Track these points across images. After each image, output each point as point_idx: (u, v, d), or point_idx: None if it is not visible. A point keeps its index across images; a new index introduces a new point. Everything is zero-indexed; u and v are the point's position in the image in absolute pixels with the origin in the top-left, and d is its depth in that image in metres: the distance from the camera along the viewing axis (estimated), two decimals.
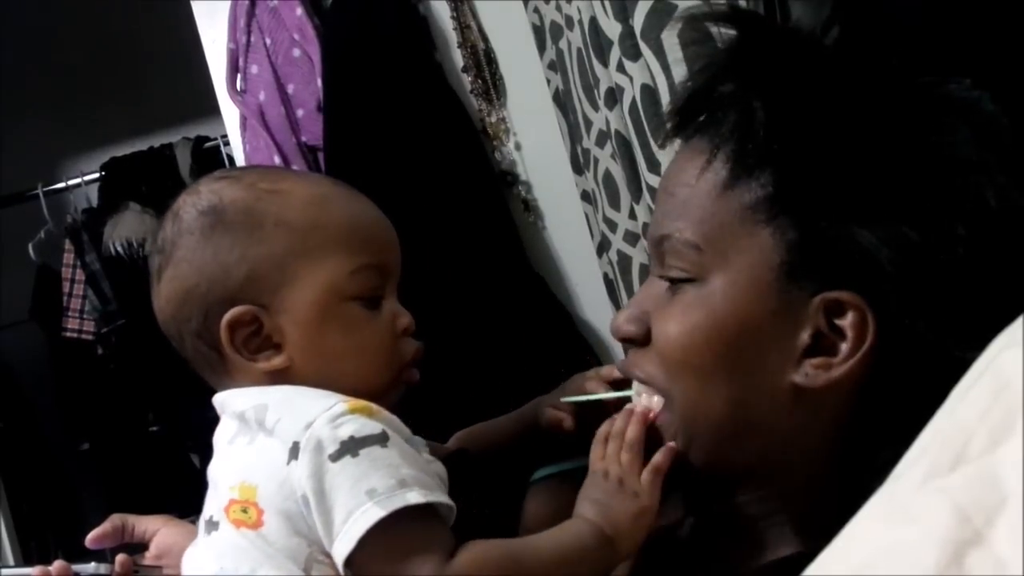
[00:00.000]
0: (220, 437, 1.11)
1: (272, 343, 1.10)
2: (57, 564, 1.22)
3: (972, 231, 0.90)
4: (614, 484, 1.04)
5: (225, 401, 1.11)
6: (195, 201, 1.13)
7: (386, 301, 1.15)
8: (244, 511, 1.02)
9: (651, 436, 1.05)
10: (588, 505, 1.05)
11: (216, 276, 1.10)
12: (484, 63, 3.03)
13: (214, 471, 1.10)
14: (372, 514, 0.95)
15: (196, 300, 1.11)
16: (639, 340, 1.05)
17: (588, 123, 2.48)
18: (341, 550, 0.96)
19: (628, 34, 1.94)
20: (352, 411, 1.01)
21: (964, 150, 0.92)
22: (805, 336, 0.96)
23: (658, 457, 1.03)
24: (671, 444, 1.03)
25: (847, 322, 0.95)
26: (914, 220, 0.92)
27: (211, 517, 1.07)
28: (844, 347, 0.95)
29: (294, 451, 1.00)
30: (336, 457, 0.98)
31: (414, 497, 0.96)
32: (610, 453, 1.06)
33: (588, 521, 1.03)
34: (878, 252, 0.92)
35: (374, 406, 1.03)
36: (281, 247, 1.10)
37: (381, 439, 1.00)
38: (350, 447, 0.98)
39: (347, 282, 1.11)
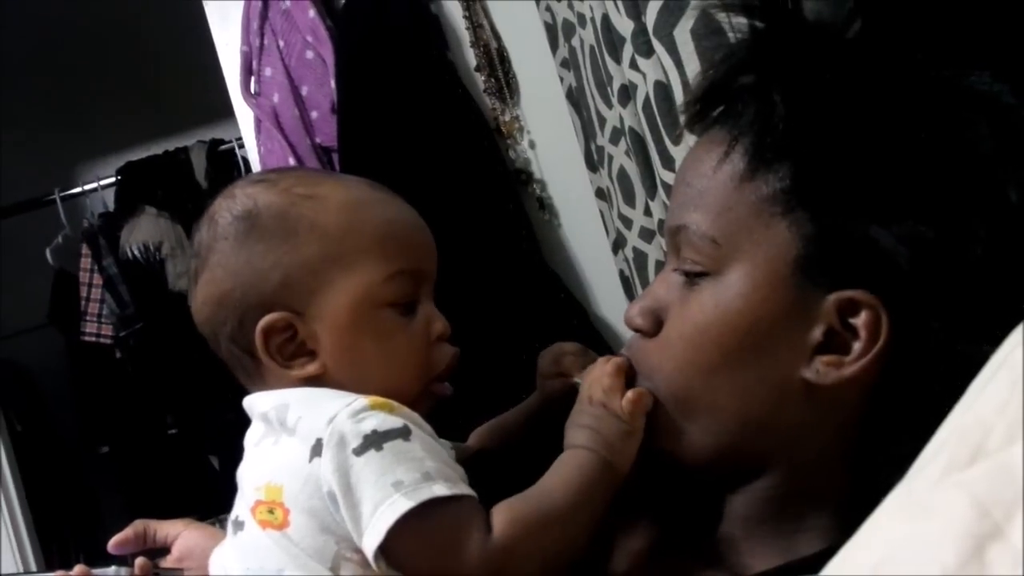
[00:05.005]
0: (248, 439, 1.11)
1: (307, 350, 1.10)
2: (77, 569, 1.22)
3: (991, 228, 0.90)
4: (598, 407, 1.04)
5: (252, 403, 1.11)
6: (230, 205, 1.13)
7: (421, 306, 1.14)
8: (271, 512, 1.02)
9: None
10: (578, 432, 1.05)
11: (251, 282, 1.10)
12: (497, 62, 3.03)
13: (241, 473, 1.10)
14: (400, 505, 0.95)
15: (231, 305, 1.11)
16: (649, 333, 1.05)
17: (602, 120, 2.48)
18: (371, 542, 0.96)
19: (640, 31, 1.94)
20: (373, 407, 1.01)
21: (984, 145, 0.91)
22: (817, 333, 0.96)
23: (637, 388, 1.04)
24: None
25: (860, 321, 0.94)
26: (932, 218, 0.91)
27: (237, 517, 1.08)
28: (857, 346, 0.94)
29: (317, 448, 1.00)
30: (360, 451, 0.98)
31: (440, 490, 0.96)
32: (594, 376, 1.07)
33: (584, 448, 1.03)
34: (895, 250, 0.91)
35: (394, 403, 1.03)
36: (315, 254, 1.10)
37: (403, 433, 1.00)
38: (373, 441, 0.98)
39: (381, 289, 1.11)
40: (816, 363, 0.96)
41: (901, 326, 0.93)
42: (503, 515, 0.99)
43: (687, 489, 1.10)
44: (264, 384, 1.12)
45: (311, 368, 1.09)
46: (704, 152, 1.03)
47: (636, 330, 1.07)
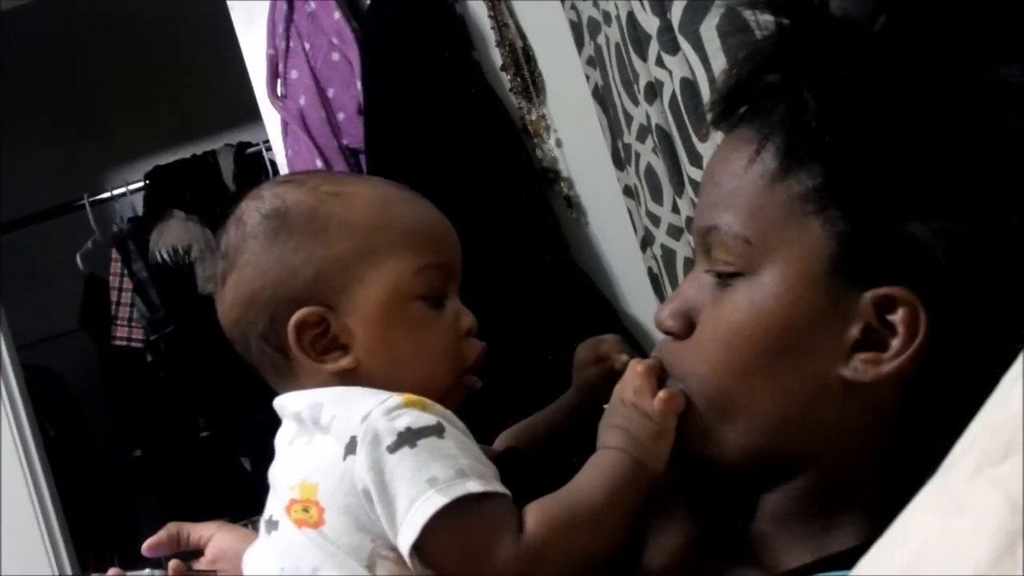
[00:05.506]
0: (280, 439, 1.12)
1: (339, 344, 1.10)
2: (112, 571, 1.23)
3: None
4: (629, 408, 1.04)
5: (284, 404, 1.12)
6: (258, 205, 1.14)
7: (449, 301, 1.15)
8: (305, 510, 1.02)
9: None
10: (610, 433, 1.05)
11: (282, 279, 1.10)
12: (523, 61, 3.03)
13: (274, 473, 1.10)
14: (435, 502, 0.95)
15: (262, 303, 1.11)
16: (681, 335, 1.05)
17: (628, 118, 2.48)
18: (406, 539, 0.96)
19: (666, 28, 1.94)
20: (407, 404, 1.01)
21: (1016, 137, 0.91)
22: (855, 331, 0.95)
23: (668, 389, 1.04)
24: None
25: (898, 318, 0.93)
26: (966, 212, 0.90)
27: (271, 517, 1.08)
28: (895, 343, 0.94)
29: (351, 446, 1.00)
30: (394, 448, 0.98)
31: (474, 486, 0.96)
32: (625, 378, 1.06)
33: (616, 449, 1.02)
34: (931, 245, 0.90)
35: (427, 400, 1.03)
36: (345, 248, 1.11)
37: (437, 430, 1.00)
38: (407, 438, 0.98)
39: (411, 282, 1.11)
40: (854, 361, 0.95)
41: (938, 322, 0.93)
42: (535, 515, 0.98)
43: (720, 487, 1.10)
44: (296, 382, 1.13)
45: (344, 362, 1.10)
46: (732, 151, 1.02)
47: (667, 332, 1.06)
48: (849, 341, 0.95)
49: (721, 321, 1.01)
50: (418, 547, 0.96)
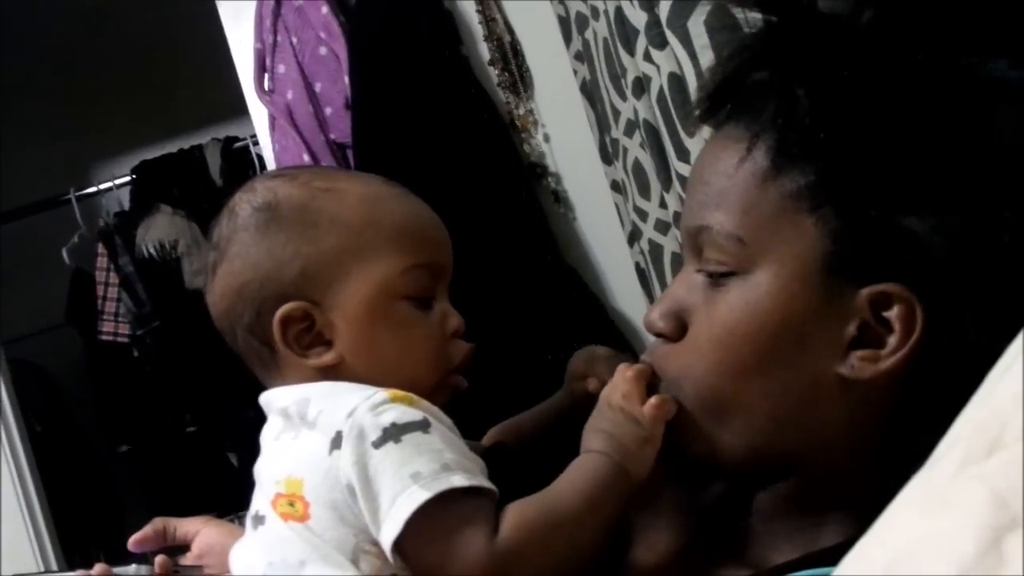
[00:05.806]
0: (266, 435, 1.12)
1: (323, 339, 1.11)
2: (98, 567, 1.23)
3: (1018, 216, 0.89)
4: (616, 412, 1.03)
5: (270, 399, 1.12)
6: (250, 198, 1.14)
7: (437, 302, 1.15)
8: (291, 504, 1.03)
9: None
10: (594, 436, 1.04)
11: (269, 272, 1.11)
12: (511, 56, 3.03)
13: (260, 469, 1.11)
14: (417, 496, 0.95)
15: (249, 295, 1.11)
16: (673, 337, 1.05)
17: (616, 113, 2.48)
18: (388, 535, 0.96)
19: (654, 23, 1.94)
20: (393, 399, 1.02)
21: (1008, 133, 0.91)
22: (851, 328, 0.95)
23: (660, 395, 1.03)
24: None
25: (894, 314, 0.93)
26: (961, 207, 0.90)
27: (257, 512, 1.08)
28: (892, 340, 0.94)
29: (336, 441, 1.00)
30: (379, 444, 0.98)
31: (458, 480, 0.96)
32: (614, 382, 1.06)
33: (599, 454, 1.02)
34: (926, 241, 0.90)
35: (414, 396, 1.04)
36: (334, 244, 1.11)
37: (423, 425, 1.00)
38: (392, 433, 0.98)
39: (399, 281, 1.11)
40: (851, 358, 0.95)
41: (934, 318, 0.93)
42: (511, 517, 0.98)
43: (711, 486, 1.10)
44: (280, 376, 1.13)
45: (328, 357, 1.10)
46: (721, 150, 1.02)
47: (658, 334, 1.05)
48: (846, 339, 0.95)
49: (715, 321, 1.00)
50: (399, 543, 0.96)
